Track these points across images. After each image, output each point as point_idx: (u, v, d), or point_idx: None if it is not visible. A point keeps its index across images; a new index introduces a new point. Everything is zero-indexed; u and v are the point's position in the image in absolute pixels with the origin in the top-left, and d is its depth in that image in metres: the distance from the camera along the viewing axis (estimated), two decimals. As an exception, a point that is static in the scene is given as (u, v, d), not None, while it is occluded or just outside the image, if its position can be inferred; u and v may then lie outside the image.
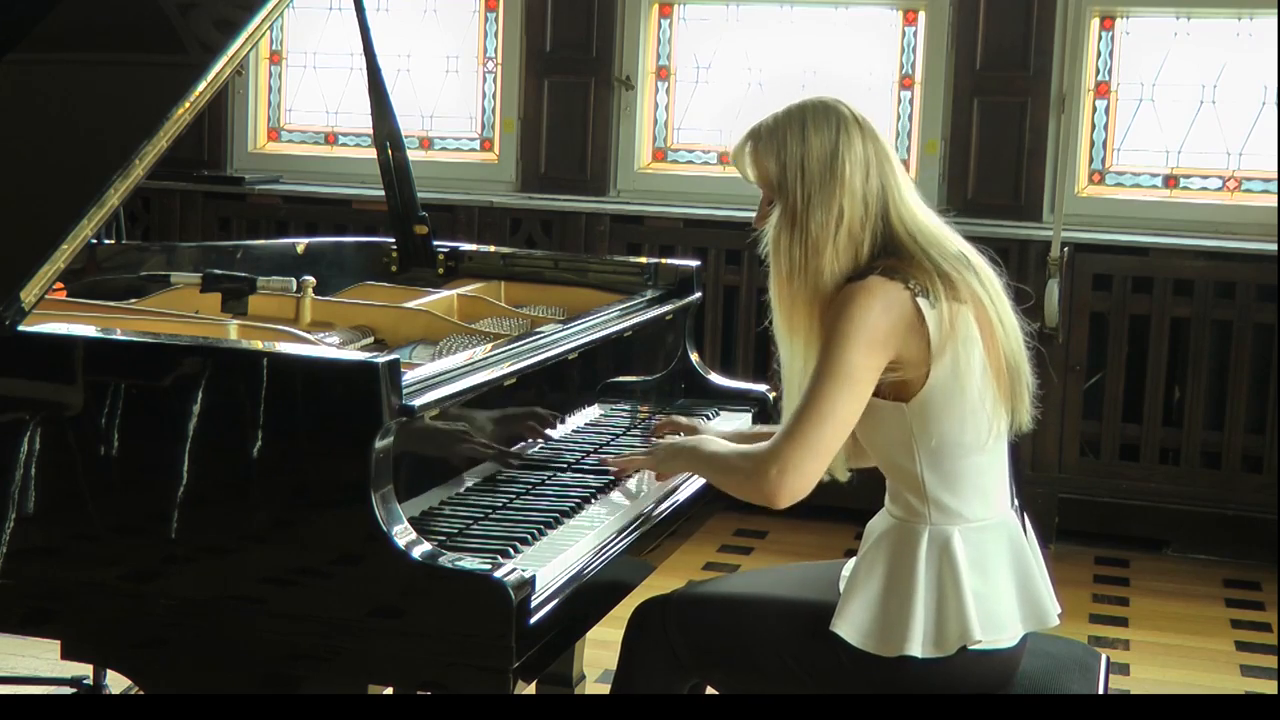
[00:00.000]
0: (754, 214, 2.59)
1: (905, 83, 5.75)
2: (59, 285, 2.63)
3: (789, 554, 5.14)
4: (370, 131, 3.63)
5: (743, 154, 2.55)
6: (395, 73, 6.07)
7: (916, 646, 2.43)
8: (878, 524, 2.57)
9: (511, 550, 2.32)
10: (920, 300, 2.42)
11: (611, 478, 2.72)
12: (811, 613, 2.53)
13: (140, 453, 2.29)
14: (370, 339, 3.00)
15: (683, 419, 3.00)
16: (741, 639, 2.58)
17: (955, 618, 2.43)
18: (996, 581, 2.49)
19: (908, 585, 2.46)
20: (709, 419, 3.24)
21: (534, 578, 2.20)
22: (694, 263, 3.57)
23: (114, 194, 2.41)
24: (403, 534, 2.19)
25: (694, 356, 3.49)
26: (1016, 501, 2.58)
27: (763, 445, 2.47)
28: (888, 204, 2.49)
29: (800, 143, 2.48)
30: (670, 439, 2.78)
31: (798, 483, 2.40)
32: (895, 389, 2.45)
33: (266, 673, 2.26)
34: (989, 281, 2.52)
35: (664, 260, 3.57)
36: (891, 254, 2.47)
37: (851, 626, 2.47)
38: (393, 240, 3.65)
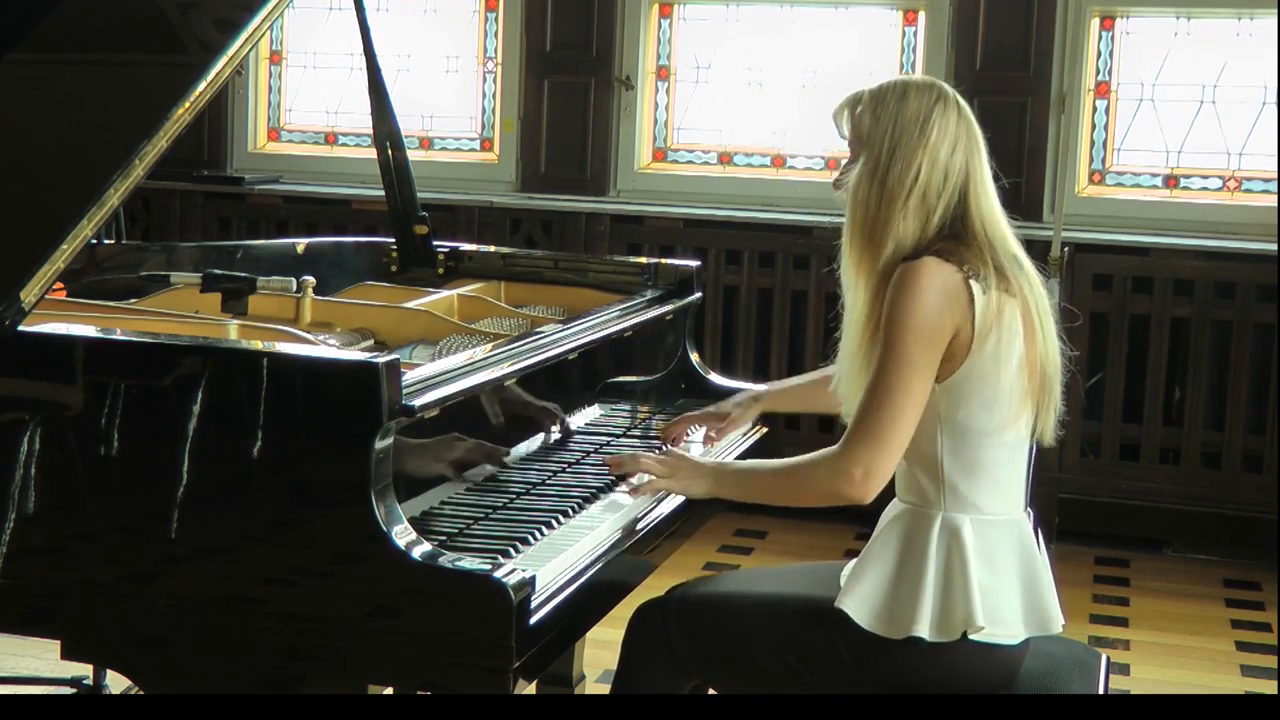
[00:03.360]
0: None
1: (905, 83, 5.75)
2: (59, 285, 2.63)
3: (789, 554, 5.14)
4: (370, 131, 3.62)
5: (843, 110, 2.62)
6: (395, 73, 6.07)
7: (924, 628, 2.44)
8: (890, 510, 2.60)
9: (511, 550, 2.32)
10: (972, 283, 2.45)
11: (612, 478, 2.72)
12: (811, 610, 2.54)
13: (140, 453, 2.29)
14: (370, 339, 3.00)
15: (697, 413, 3.01)
16: (741, 638, 2.58)
17: (961, 603, 2.45)
18: (1002, 578, 2.50)
19: (918, 568, 2.48)
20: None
21: (534, 578, 2.20)
22: (694, 263, 3.58)
23: (114, 194, 2.41)
24: (403, 534, 2.18)
25: (694, 356, 3.49)
26: (1030, 510, 2.59)
27: (829, 450, 2.50)
28: (968, 186, 2.53)
29: (899, 101, 2.54)
30: (685, 455, 2.78)
31: (880, 481, 2.47)
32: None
33: (266, 673, 2.26)
34: (1037, 288, 2.57)
35: (664, 260, 3.57)
36: (956, 236, 2.51)
37: (859, 605, 2.48)
38: (393, 240, 3.65)
